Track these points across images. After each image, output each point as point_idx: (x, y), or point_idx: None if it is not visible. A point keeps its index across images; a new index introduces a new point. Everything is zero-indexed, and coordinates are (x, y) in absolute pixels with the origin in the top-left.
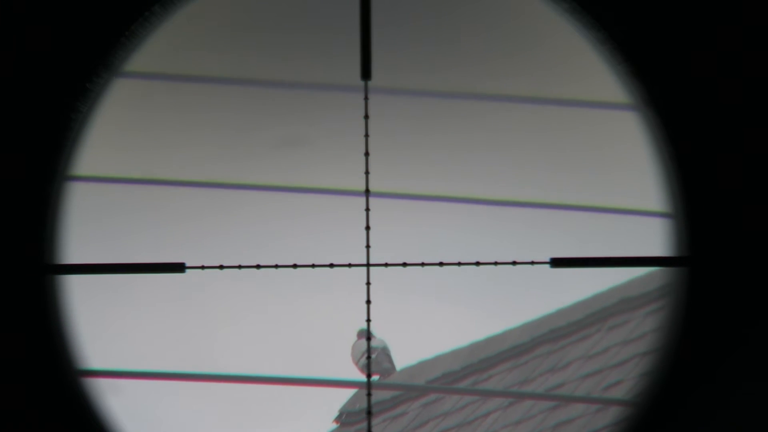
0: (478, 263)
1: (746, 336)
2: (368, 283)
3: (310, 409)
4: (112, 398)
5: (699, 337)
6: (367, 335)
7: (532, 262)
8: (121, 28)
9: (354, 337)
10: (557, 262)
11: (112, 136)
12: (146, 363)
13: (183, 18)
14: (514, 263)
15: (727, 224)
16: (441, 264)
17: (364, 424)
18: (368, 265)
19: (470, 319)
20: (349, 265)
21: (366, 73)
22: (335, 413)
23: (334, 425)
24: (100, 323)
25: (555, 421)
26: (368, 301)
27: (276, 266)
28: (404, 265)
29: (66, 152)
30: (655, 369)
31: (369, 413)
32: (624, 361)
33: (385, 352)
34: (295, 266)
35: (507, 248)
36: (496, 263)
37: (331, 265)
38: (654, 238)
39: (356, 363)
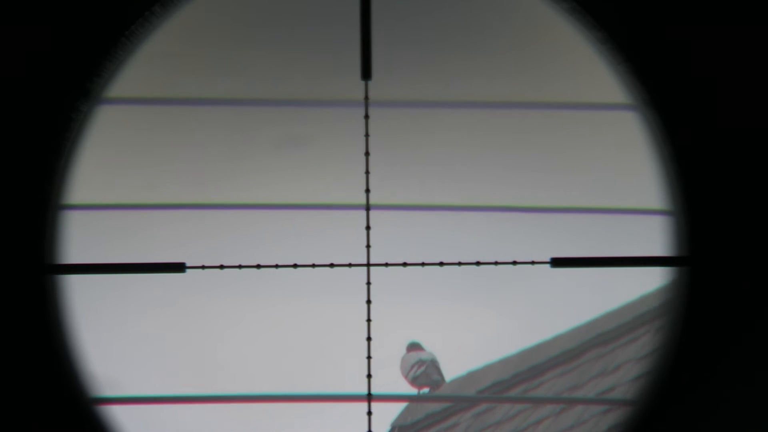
0: (478, 263)
1: (745, 335)
2: (368, 283)
3: (309, 417)
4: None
5: (699, 337)
6: (416, 346)
7: (533, 262)
8: (121, 28)
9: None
10: (558, 262)
11: (112, 142)
12: (145, 363)
13: (181, 18)
14: (514, 263)
15: (727, 224)
16: (441, 264)
17: None
18: (368, 264)
19: (516, 328)
20: (350, 265)
21: (366, 73)
22: (387, 427)
23: None
24: (100, 323)
25: (607, 424)
26: (368, 301)
27: (276, 266)
28: (404, 264)
29: (67, 151)
30: (655, 369)
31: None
32: None
33: (434, 364)
34: (295, 266)
35: (507, 248)
36: (496, 263)
37: (332, 265)
38: (655, 236)
39: (406, 376)
